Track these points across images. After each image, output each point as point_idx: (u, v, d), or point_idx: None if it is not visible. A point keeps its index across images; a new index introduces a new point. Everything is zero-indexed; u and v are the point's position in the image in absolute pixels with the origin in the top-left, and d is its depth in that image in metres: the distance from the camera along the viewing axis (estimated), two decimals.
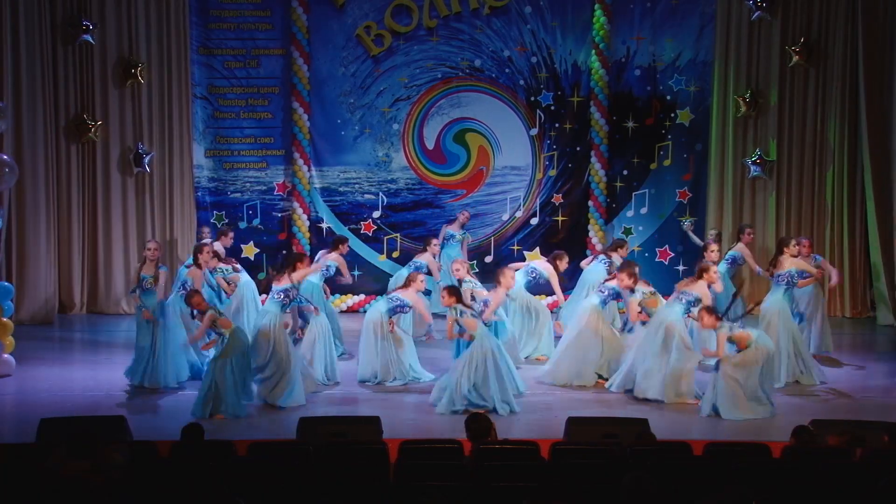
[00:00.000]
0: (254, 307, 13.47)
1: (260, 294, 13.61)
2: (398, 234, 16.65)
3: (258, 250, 16.51)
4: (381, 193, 16.69)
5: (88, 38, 15.75)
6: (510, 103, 16.60)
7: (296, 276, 11.63)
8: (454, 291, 11.59)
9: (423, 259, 14.31)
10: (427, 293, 13.18)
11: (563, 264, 13.75)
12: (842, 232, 16.23)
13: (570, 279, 14.78)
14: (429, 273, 13.98)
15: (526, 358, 13.28)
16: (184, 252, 16.18)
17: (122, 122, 16.15)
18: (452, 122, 16.68)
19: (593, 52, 16.36)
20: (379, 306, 12.53)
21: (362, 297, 16.40)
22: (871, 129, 15.63)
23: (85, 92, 16.03)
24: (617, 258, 13.80)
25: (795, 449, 8.13)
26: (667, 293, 16.15)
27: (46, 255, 15.68)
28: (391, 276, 16.59)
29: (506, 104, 16.60)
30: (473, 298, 12.31)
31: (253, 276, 14.46)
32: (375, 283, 16.29)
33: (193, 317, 11.51)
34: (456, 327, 11.35)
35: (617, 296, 12.43)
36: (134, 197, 16.27)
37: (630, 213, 16.67)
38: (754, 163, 16.32)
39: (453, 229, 15.80)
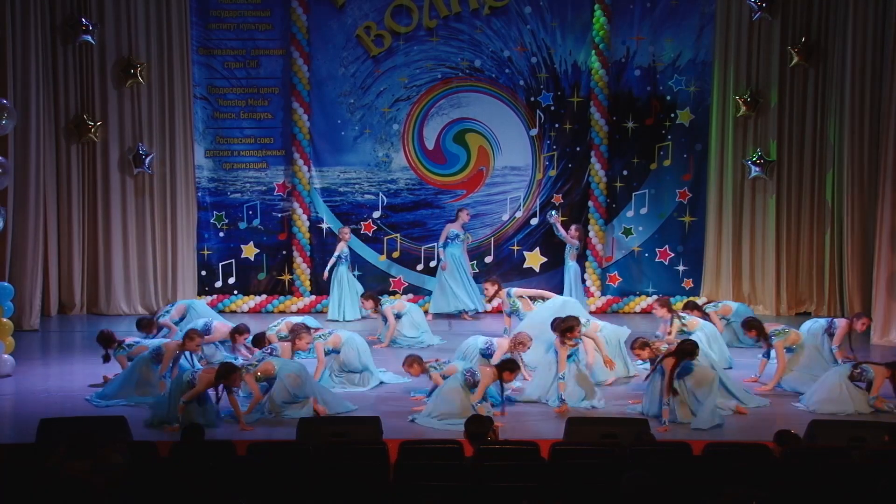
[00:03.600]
0: None
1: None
2: (398, 235, 16.65)
3: (258, 251, 16.53)
4: (381, 193, 16.69)
5: (88, 38, 15.76)
6: (510, 103, 16.60)
7: None
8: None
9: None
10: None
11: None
12: (842, 232, 16.21)
13: None
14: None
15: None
16: (184, 252, 16.23)
17: (122, 123, 16.15)
18: (452, 123, 16.68)
19: (593, 52, 16.36)
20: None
21: None
22: (853, 127, 15.47)
23: (85, 92, 16.03)
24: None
25: (792, 451, 8.12)
26: (666, 292, 16.29)
27: (45, 255, 15.69)
28: (391, 276, 16.67)
29: (506, 104, 16.60)
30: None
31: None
32: (375, 284, 16.30)
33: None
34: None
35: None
36: (134, 197, 16.28)
37: (630, 213, 16.66)
38: (754, 163, 16.31)
39: (456, 228, 15.81)
